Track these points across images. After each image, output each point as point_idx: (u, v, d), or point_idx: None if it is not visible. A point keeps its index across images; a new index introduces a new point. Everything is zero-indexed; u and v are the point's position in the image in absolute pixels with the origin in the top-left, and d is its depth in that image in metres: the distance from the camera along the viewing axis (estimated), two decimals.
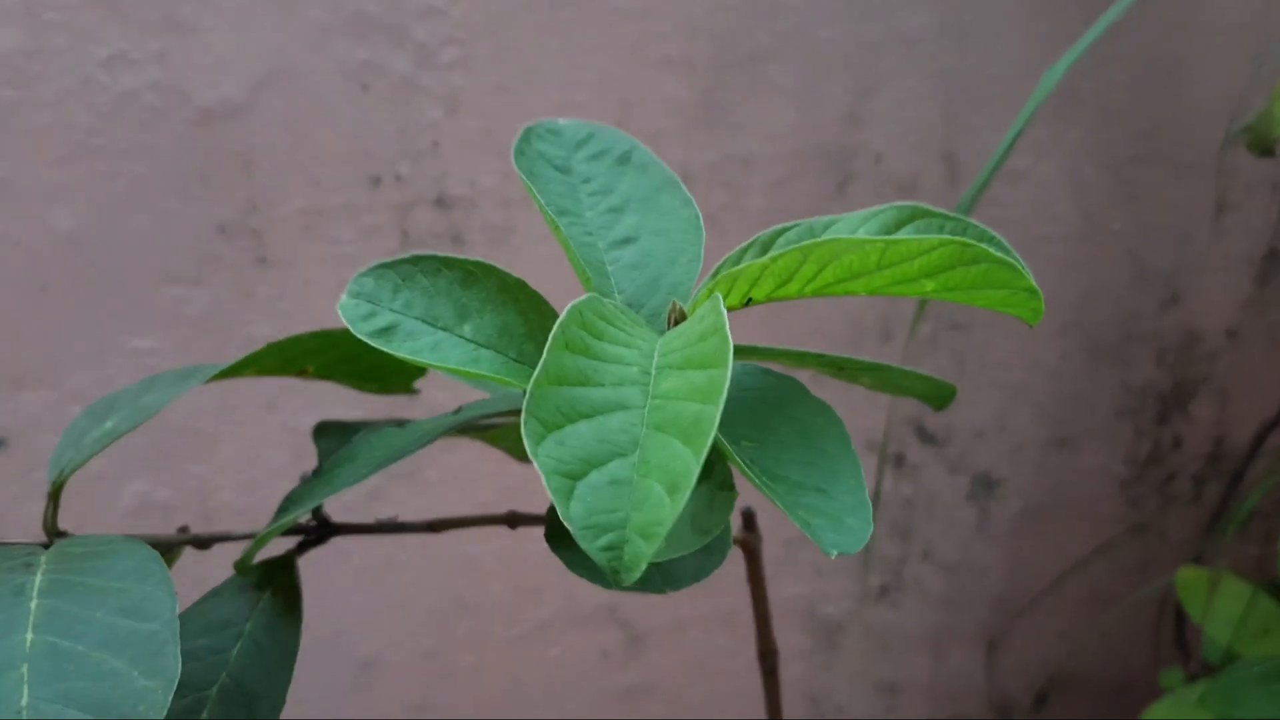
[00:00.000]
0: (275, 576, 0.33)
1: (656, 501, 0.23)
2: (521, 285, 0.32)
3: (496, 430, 0.42)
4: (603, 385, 0.26)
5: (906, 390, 0.36)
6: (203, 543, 0.34)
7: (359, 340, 0.37)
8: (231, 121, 0.66)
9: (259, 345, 0.71)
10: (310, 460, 0.75)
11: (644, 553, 0.23)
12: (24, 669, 0.25)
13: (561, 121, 0.35)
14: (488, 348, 0.31)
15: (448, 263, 0.31)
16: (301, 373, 0.37)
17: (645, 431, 0.25)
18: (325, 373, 0.37)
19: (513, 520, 0.38)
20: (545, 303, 0.32)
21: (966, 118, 0.77)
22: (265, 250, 0.69)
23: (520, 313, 0.31)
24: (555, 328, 0.26)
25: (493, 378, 0.30)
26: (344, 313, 0.30)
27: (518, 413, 0.37)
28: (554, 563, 0.98)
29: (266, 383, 0.71)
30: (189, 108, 0.66)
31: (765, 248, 0.31)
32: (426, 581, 0.78)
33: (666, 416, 0.25)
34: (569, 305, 0.27)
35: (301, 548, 0.35)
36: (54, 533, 0.33)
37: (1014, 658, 0.92)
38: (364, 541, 0.78)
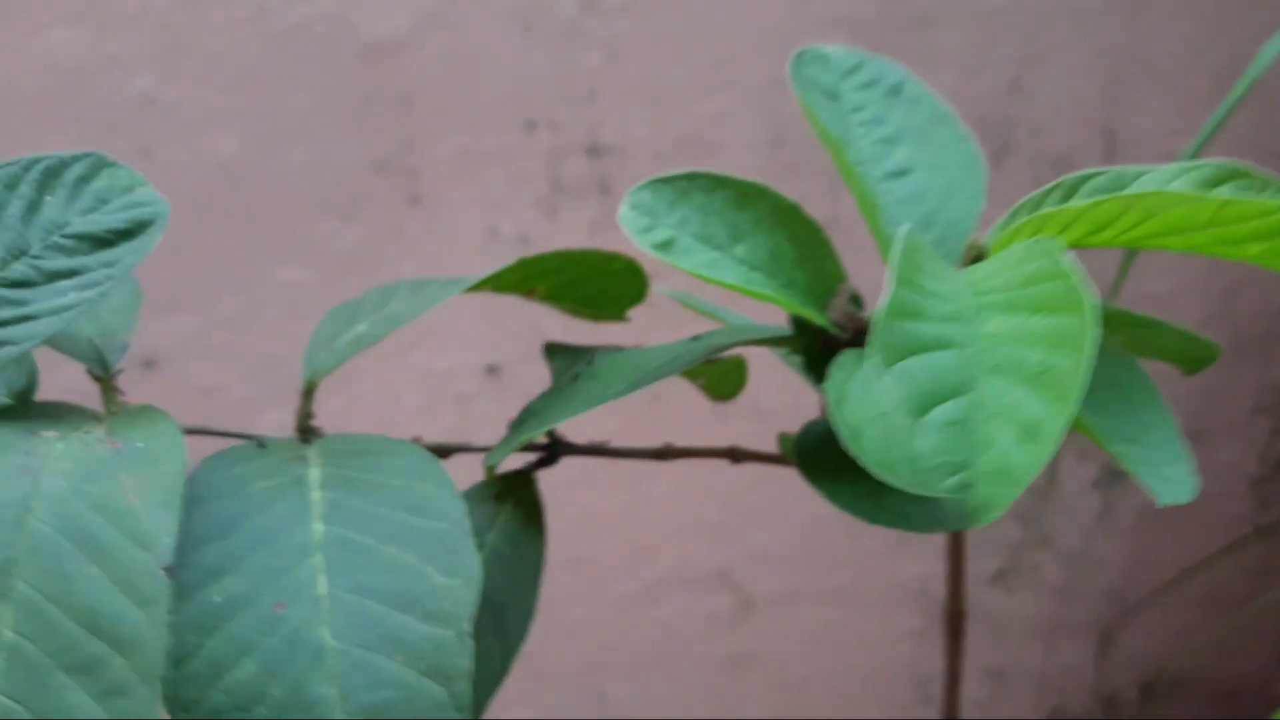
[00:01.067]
0: (515, 490, 0.33)
1: (1004, 449, 0.22)
2: (795, 210, 0.31)
3: (701, 366, 0.42)
4: (931, 320, 0.25)
5: (1161, 351, 0.34)
6: (443, 452, 0.34)
7: (590, 265, 0.37)
8: (395, 58, 0.66)
9: None
10: (444, 403, 0.75)
11: (995, 498, 0.22)
12: (318, 558, 0.25)
13: (828, 48, 0.35)
14: (758, 270, 0.30)
15: (722, 182, 0.31)
16: (530, 293, 0.36)
17: (980, 374, 0.24)
18: (551, 295, 0.37)
19: (735, 455, 0.37)
20: (819, 230, 0.31)
21: (1130, 94, 0.75)
22: (418, 189, 0.69)
23: (791, 238, 0.31)
24: (893, 260, 0.26)
25: (773, 298, 0.29)
26: (625, 223, 0.29)
27: (753, 344, 0.36)
28: (671, 523, 0.97)
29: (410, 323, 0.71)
30: (355, 42, 0.65)
31: (1070, 192, 0.30)
32: None
33: (1002, 360, 0.24)
34: (898, 238, 0.27)
35: (536, 465, 0.35)
36: (306, 430, 0.33)
37: (1125, 653, 0.90)
38: None
